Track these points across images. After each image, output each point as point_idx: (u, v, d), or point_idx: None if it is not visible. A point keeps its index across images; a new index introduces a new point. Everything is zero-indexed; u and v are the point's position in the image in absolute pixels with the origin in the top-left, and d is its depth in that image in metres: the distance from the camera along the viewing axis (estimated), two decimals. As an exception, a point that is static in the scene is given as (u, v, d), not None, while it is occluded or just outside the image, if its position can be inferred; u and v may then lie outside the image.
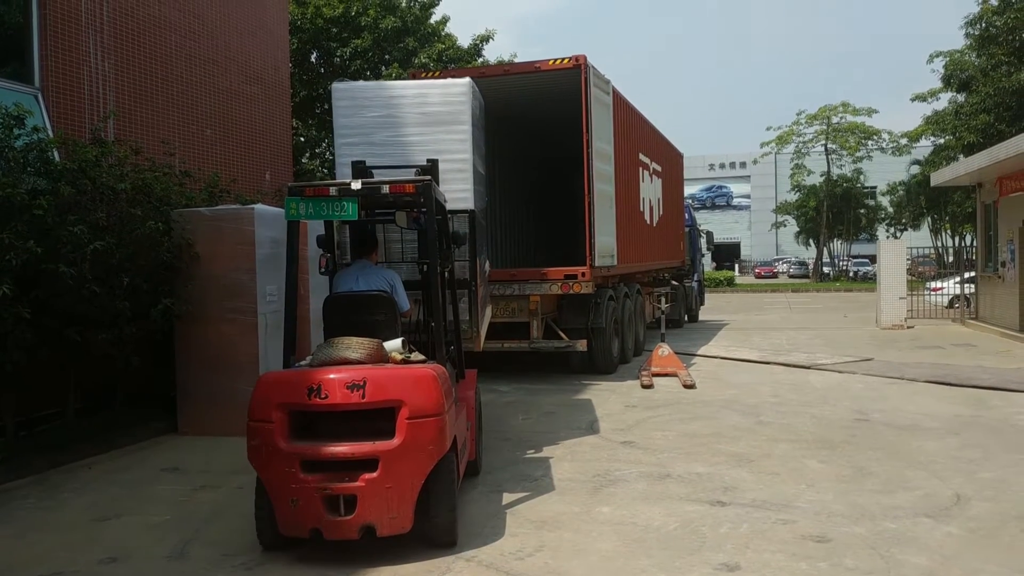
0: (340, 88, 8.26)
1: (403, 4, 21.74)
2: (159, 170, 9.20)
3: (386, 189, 5.61)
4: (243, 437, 8.25)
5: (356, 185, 5.42)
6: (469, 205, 7.76)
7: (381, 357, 5.32)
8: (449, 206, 7.27)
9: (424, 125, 7.94)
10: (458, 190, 7.69)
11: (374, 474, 4.80)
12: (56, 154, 8.24)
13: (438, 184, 6.96)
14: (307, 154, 22.76)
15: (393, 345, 5.49)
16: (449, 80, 8.58)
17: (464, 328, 7.54)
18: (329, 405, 4.90)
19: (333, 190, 5.44)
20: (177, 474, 7.19)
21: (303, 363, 5.47)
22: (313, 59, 21.88)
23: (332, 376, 4.95)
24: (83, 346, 7.69)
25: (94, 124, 9.29)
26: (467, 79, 8.11)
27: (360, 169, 6.92)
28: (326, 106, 21.91)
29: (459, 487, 5.66)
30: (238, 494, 6.47)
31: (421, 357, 5.58)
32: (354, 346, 5.23)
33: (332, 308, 5.94)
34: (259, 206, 8.98)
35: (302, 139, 21.95)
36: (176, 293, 8.51)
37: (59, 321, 7.49)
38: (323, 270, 6.45)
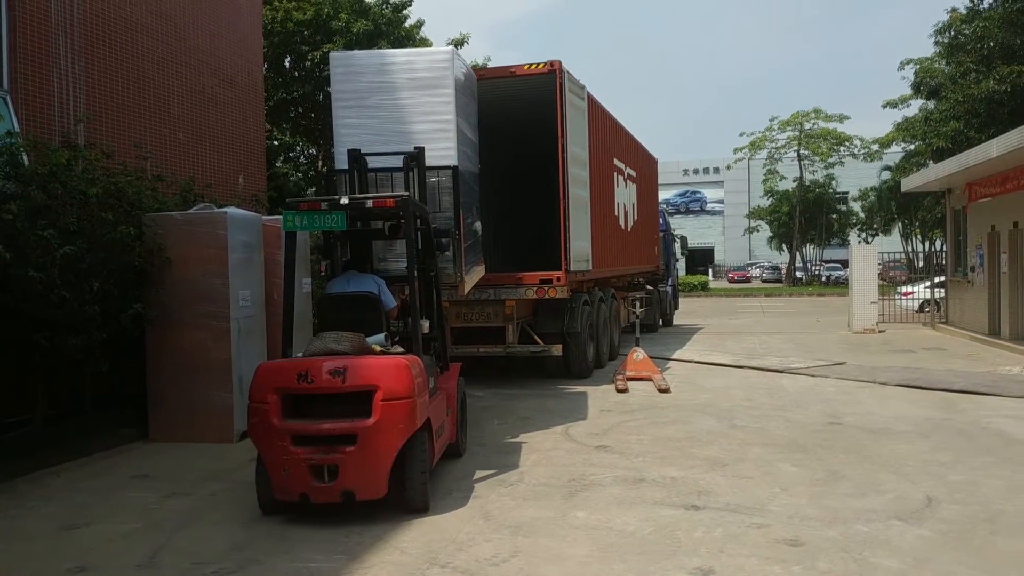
0: (337, 57, 9.03)
1: (374, 6, 21.53)
2: (131, 174, 9.08)
3: (370, 204, 6.32)
4: (214, 444, 8.36)
5: (344, 200, 6.21)
6: (452, 162, 8.38)
7: (364, 349, 6.08)
8: (433, 163, 8.12)
9: (412, 89, 8.62)
10: (442, 148, 8.39)
11: (353, 447, 5.56)
12: (26, 158, 8.11)
13: (424, 160, 7.77)
14: (281, 157, 22.56)
15: (376, 339, 6.29)
16: (434, 48, 9.23)
17: (449, 275, 8.24)
18: (314, 388, 5.70)
19: (324, 205, 6.24)
20: (147, 481, 7.09)
21: (298, 354, 6.22)
22: (287, 64, 21.72)
23: (318, 364, 5.72)
24: (52, 352, 7.57)
25: (65, 127, 9.16)
26: (450, 48, 8.73)
27: (355, 156, 7.79)
28: (300, 110, 21.78)
29: (435, 462, 6.47)
30: (209, 501, 6.41)
31: (400, 350, 6.29)
32: (340, 339, 6.02)
33: (325, 306, 6.79)
34: (232, 210, 8.90)
35: (276, 143, 21.77)
36: (147, 298, 8.40)
37: (28, 326, 7.38)
38: (323, 275, 7.27)
